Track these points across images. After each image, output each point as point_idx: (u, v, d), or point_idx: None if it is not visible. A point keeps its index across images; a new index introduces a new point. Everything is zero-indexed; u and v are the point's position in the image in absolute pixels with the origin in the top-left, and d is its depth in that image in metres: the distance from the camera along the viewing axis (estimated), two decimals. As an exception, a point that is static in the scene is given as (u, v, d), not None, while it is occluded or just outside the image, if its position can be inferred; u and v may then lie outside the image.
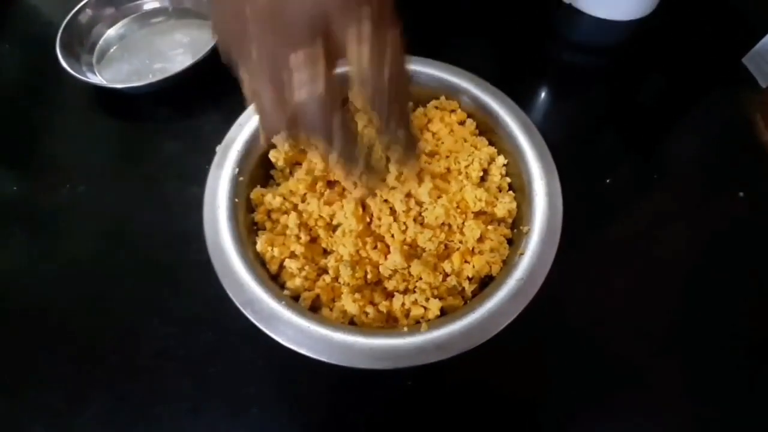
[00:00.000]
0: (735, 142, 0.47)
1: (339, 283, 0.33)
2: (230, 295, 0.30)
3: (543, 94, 0.50)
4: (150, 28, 0.54)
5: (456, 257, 0.32)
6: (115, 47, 0.52)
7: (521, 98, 0.38)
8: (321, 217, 0.35)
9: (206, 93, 0.49)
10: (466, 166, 0.36)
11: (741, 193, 0.43)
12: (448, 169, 0.37)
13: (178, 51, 0.52)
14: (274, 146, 0.37)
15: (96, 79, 0.49)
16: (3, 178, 0.45)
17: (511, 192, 0.37)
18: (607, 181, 0.44)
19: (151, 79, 0.46)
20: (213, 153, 0.36)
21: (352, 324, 0.31)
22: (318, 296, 0.32)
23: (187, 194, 0.41)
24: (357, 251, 0.33)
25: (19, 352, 0.36)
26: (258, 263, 0.32)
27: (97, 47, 0.52)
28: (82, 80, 0.47)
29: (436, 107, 0.39)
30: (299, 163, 0.38)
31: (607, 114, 0.49)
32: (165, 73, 0.46)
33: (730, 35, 0.53)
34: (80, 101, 0.49)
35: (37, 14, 0.57)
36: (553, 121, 0.48)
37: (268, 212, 0.36)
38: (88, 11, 0.51)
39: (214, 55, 0.47)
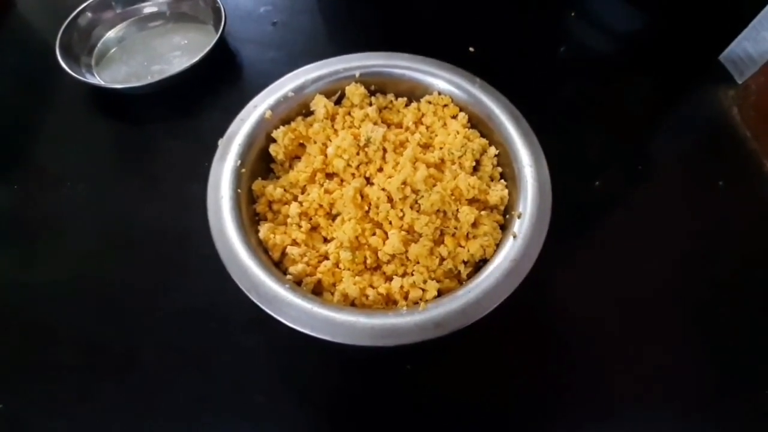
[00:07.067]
0: (714, 135, 0.49)
1: (340, 268, 0.34)
2: (235, 280, 0.31)
3: (533, 92, 0.51)
4: (148, 32, 0.55)
5: (449, 239, 0.34)
6: (114, 50, 0.53)
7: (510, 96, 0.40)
8: (321, 206, 0.36)
9: (204, 93, 0.50)
10: (459, 157, 0.38)
11: (721, 183, 0.45)
12: (442, 160, 0.38)
13: (176, 53, 0.53)
14: (274, 140, 0.39)
15: (95, 80, 0.50)
16: (3, 179, 0.46)
17: (503, 181, 0.38)
18: (595, 174, 0.45)
19: (150, 80, 0.48)
20: (212, 152, 0.37)
21: (353, 307, 0.32)
22: (320, 281, 0.33)
23: (188, 192, 0.42)
24: (356, 237, 0.34)
25: (24, 347, 0.37)
26: (261, 250, 0.33)
27: (96, 49, 0.53)
28: (81, 81, 0.48)
29: (429, 102, 0.41)
30: (298, 157, 0.40)
31: (591, 111, 0.51)
32: (163, 75, 0.47)
33: (707, 34, 0.55)
34: (79, 103, 0.50)
35: (36, 19, 0.58)
36: (541, 118, 0.50)
37: (270, 203, 0.37)
38: (88, 14, 0.52)
39: (211, 56, 0.49)
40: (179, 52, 0.53)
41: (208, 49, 0.49)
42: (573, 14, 0.57)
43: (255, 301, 0.30)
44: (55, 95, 0.51)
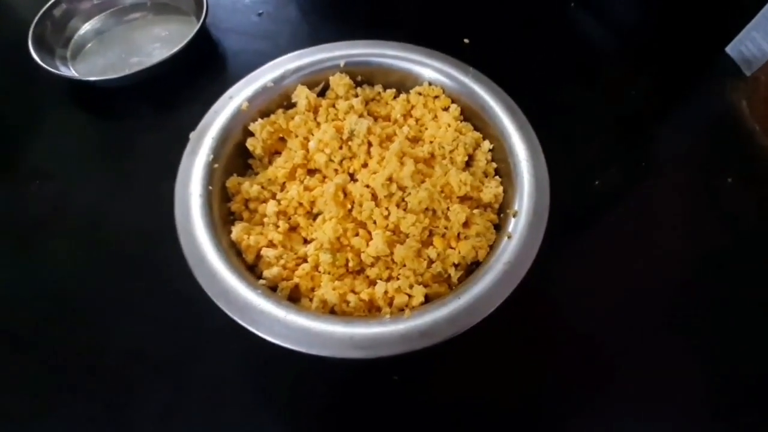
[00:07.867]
0: (722, 130, 0.47)
1: (319, 272, 0.31)
2: (202, 285, 0.28)
3: (531, 86, 0.49)
4: (128, 23, 0.52)
5: (438, 240, 0.31)
6: (91, 42, 0.51)
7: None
8: (301, 204, 0.33)
9: (183, 86, 0.47)
10: (451, 152, 0.35)
11: (729, 179, 0.43)
12: (432, 155, 0.35)
13: (155, 45, 0.50)
14: (252, 134, 0.36)
15: (69, 73, 0.47)
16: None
17: (497, 177, 0.36)
18: (596, 172, 0.43)
19: (127, 72, 0.45)
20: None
21: (332, 314, 0.30)
22: (297, 286, 0.31)
23: (164, 188, 0.39)
24: (338, 238, 0.31)
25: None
26: (233, 253, 0.31)
27: (72, 42, 0.50)
28: (55, 74, 0.45)
29: (419, 93, 0.39)
30: (278, 152, 0.37)
31: (592, 105, 0.48)
32: (142, 67, 0.45)
33: (713, 25, 0.53)
34: (54, 96, 0.47)
35: (10, 9, 0.55)
36: (539, 113, 0.47)
37: (246, 201, 0.34)
38: (63, 5, 0.50)
39: (192, 47, 0.46)
40: (159, 44, 0.50)
41: (188, 39, 0.46)
42: (573, 4, 0.54)
43: (223, 308, 0.27)
44: (28, 89, 0.48)
